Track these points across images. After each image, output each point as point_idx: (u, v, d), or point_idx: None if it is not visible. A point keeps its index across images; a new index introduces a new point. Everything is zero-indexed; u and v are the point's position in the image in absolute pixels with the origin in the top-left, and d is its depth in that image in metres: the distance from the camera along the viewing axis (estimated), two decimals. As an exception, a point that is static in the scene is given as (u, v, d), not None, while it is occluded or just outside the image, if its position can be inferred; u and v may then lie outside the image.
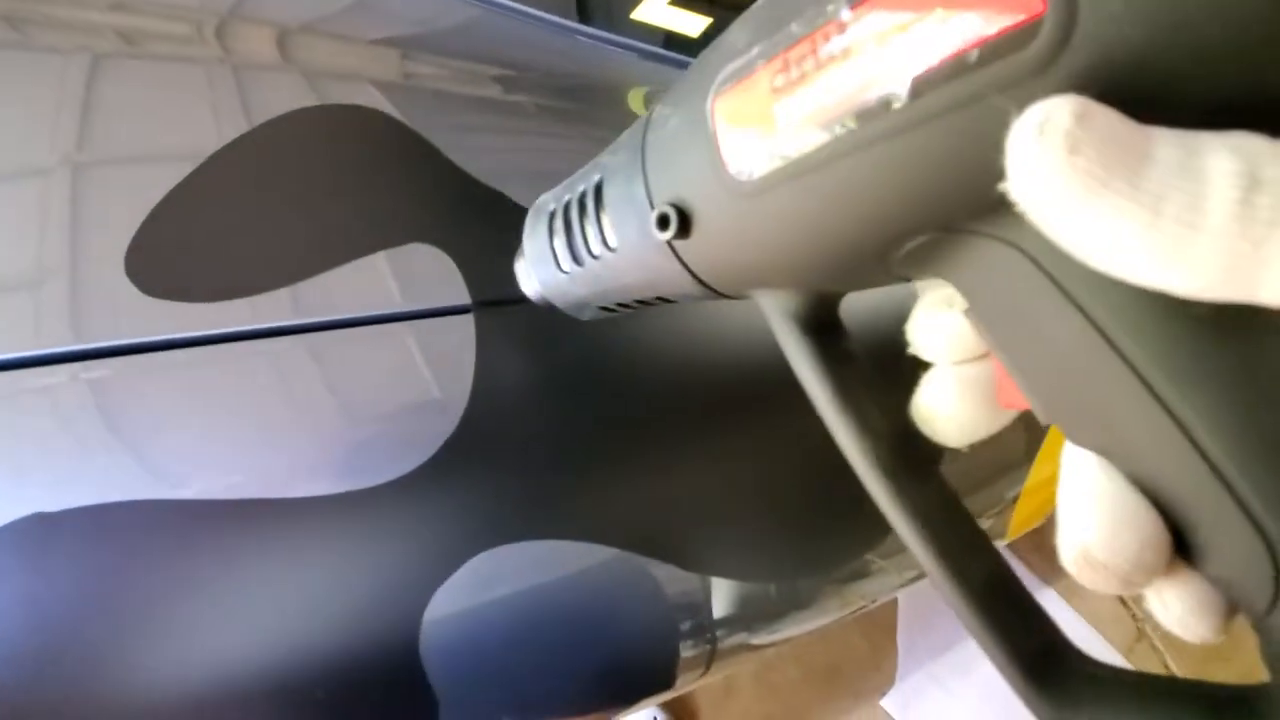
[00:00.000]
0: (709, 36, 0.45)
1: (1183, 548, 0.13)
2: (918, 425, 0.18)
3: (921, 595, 1.22)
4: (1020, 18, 0.11)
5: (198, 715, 0.28)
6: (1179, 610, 0.14)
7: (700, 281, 0.19)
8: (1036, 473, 0.51)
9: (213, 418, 0.27)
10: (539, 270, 0.24)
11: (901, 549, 0.47)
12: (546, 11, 0.43)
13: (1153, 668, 1.25)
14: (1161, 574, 0.14)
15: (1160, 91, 0.11)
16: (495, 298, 0.32)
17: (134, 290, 0.28)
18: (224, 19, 0.35)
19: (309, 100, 0.33)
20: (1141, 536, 0.13)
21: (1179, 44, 0.10)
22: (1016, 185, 0.11)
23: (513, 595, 0.31)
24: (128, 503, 0.26)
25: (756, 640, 0.44)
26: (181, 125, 0.31)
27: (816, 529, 0.41)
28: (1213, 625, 0.14)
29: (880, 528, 0.44)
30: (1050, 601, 1.28)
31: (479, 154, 0.36)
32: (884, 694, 1.16)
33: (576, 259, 0.22)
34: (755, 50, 0.15)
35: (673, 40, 0.45)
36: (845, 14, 0.13)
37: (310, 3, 0.37)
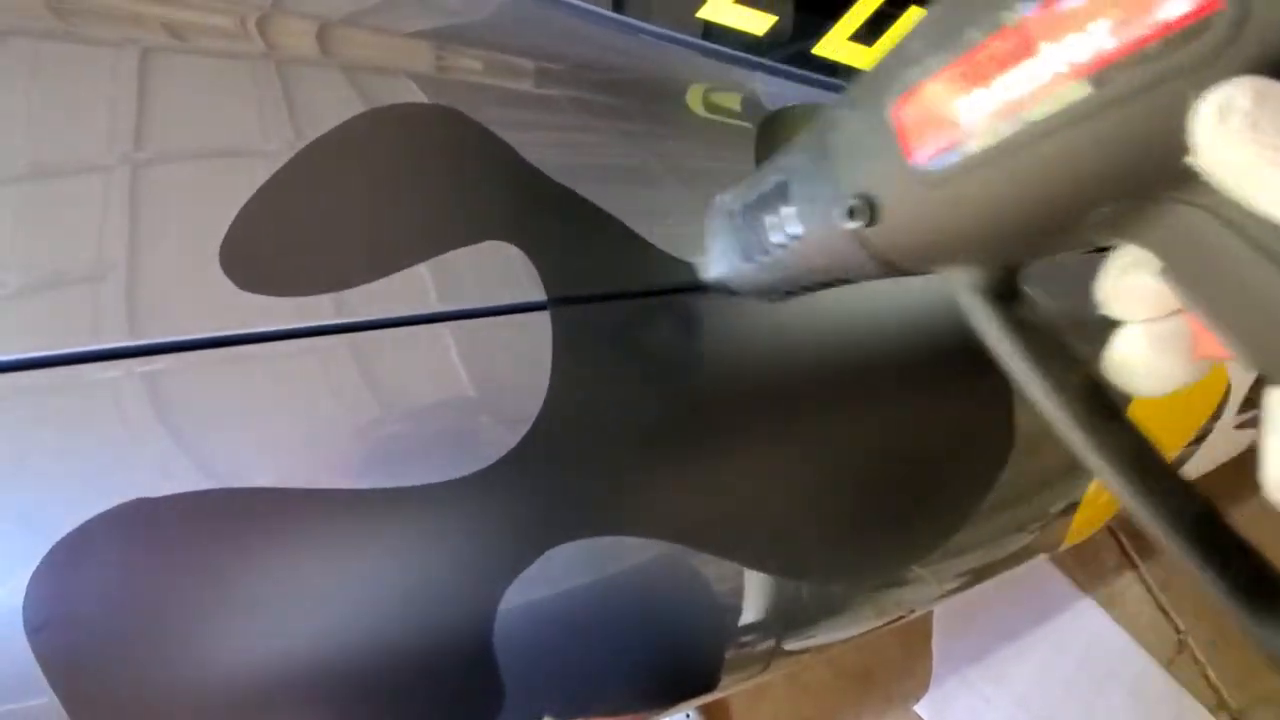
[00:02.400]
0: (774, 34, 0.45)
1: None
2: (1111, 379, 0.19)
3: (955, 601, 1.21)
4: (1201, 11, 0.12)
5: (280, 695, 0.29)
6: None
7: (885, 262, 0.21)
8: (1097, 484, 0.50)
9: (301, 410, 0.28)
10: (727, 261, 0.27)
11: (945, 560, 0.47)
12: (608, 9, 0.43)
13: (1194, 680, 1.22)
14: None
15: None
16: (571, 294, 0.32)
17: (229, 284, 0.29)
18: (295, 15, 0.36)
19: (382, 99, 0.34)
20: None
21: None
22: (1205, 159, 0.13)
23: (581, 590, 0.32)
24: (223, 490, 0.27)
25: (800, 645, 0.44)
26: (256, 125, 0.32)
27: (872, 535, 0.40)
28: None
29: (929, 540, 0.44)
30: (1088, 611, 1.25)
31: (549, 151, 0.36)
32: (918, 699, 1.15)
33: (765, 249, 0.24)
34: (934, 56, 0.16)
35: (733, 38, 0.44)
36: (1022, 18, 0.14)
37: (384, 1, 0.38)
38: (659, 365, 0.33)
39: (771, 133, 0.43)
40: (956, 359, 0.39)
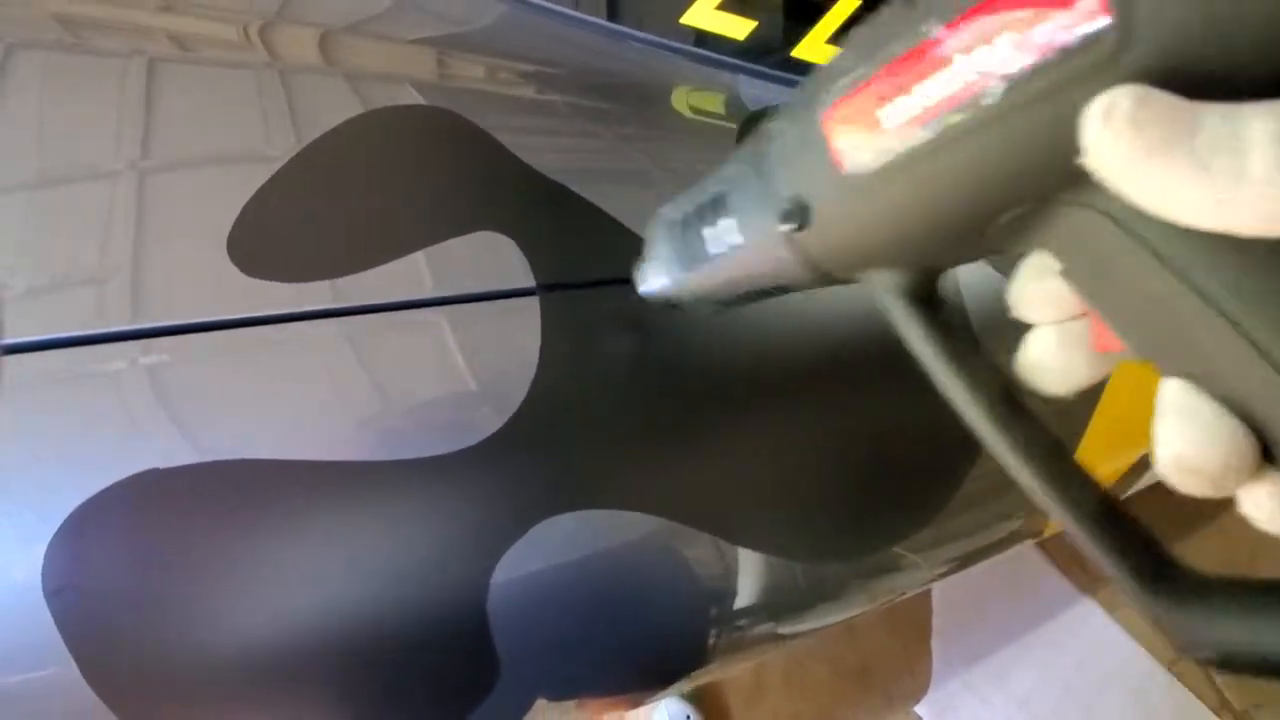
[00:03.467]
0: (755, 40, 0.47)
1: (1269, 456, 0.16)
2: (1023, 380, 0.21)
3: (955, 601, 1.21)
4: (1091, 29, 0.14)
5: (282, 664, 0.30)
6: (1270, 507, 0.16)
7: (816, 268, 0.22)
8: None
9: (302, 386, 0.30)
10: (667, 270, 0.27)
11: (931, 540, 0.48)
12: (596, 16, 0.45)
13: (1197, 681, 1.22)
14: (1250, 476, 0.16)
15: (1204, 78, 0.13)
16: (559, 281, 0.34)
17: (236, 271, 0.30)
18: (297, 25, 0.38)
19: (381, 102, 0.36)
20: (1226, 442, 0.15)
21: (1211, 46, 0.13)
22: (1093, 158, 0.14)
23: (573, 564, 0.33)
24: (228, 461, 0.28)
25: (792, 627, 0.45)
26: (260, 128, 0.34)
27: (857, 514, 0.42)
28: None
29: (915, 518, 0.45)
30: (1089, 612, 1.26)
31: (543, 151, 0.38)
32: (917, 700, 1.15)
33: (705, 257, 0.25)
34: (861, 69, 0.18)
35: (715, 43, 0.47)
36: (939, 33, 0.16)
37: (377, 6, 0.40)
38: (644, 347, 0.34)
39: (751, 131, 0.45)
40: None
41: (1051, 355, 0.20)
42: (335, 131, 0.35)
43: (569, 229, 0.36)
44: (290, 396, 0.30)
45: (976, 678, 1.20)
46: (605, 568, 0.34)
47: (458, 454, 0.30)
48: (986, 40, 0.15)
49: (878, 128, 0.18)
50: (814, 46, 0.48)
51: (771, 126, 0.22)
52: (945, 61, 0.16)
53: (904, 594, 0.53)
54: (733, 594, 0.38)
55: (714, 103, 0.47)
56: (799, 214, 0.20)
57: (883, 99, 0.17)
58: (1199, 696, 1.21)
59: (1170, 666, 1.23)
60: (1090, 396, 0.46)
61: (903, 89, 0.17)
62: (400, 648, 0.31)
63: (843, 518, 0.41)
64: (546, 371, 0.32)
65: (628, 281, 0.36)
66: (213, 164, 0.33)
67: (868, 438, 0.40)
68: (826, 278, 0.22)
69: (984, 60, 0.15)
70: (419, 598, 0.31)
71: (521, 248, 0.34)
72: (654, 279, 0.28)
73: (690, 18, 0.46)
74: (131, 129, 0.33)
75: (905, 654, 1.18)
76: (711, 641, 0.40)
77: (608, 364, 0.34)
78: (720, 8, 0.46)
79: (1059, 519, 0.19)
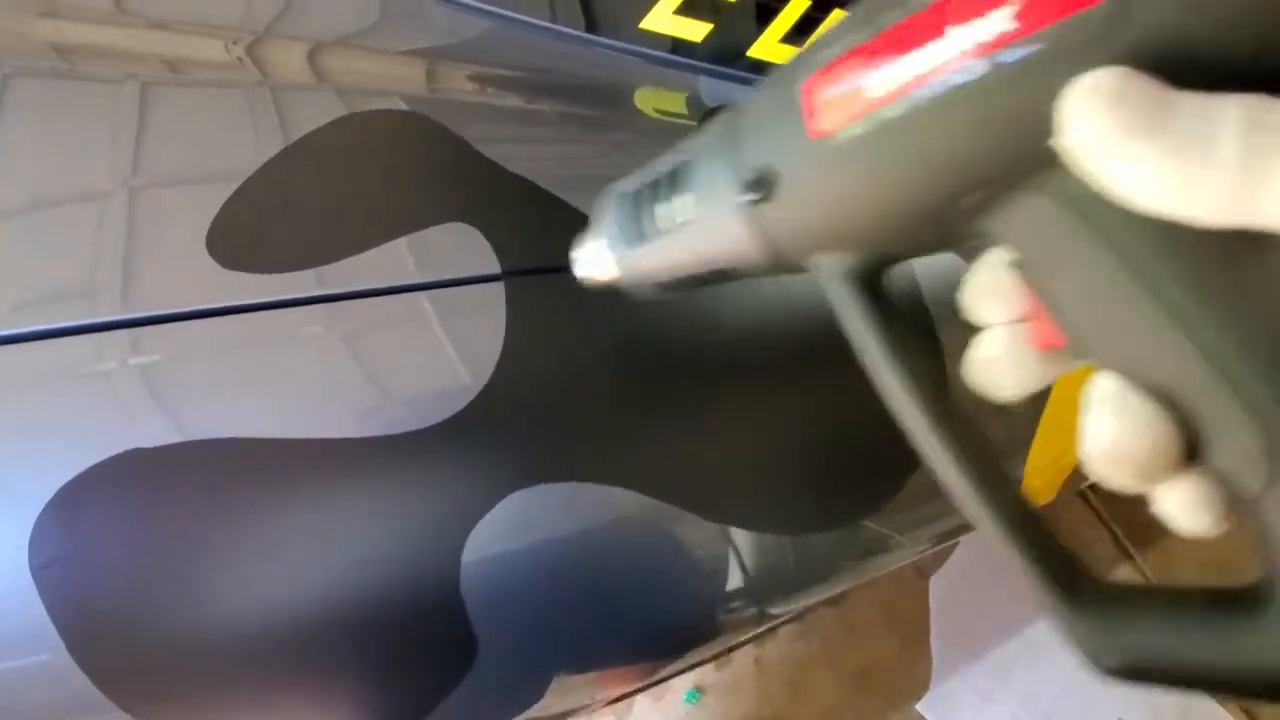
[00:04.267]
0: (712, 41, 0.50)
1: (1191, 454, 0.16)
2: (972, 383, 0.21)
3: (954, 600, 1.21)
4: (1087, 7, 0.14)
5: (263, 641, 0.31)
6: (1186, 502, 0.17)
7: (769, 248, 0.22)
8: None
9: (277, 370, 0.32)
10: (610, 245, 0.26)
11: (909, 519, 0.49)
12: (561, 24, 0.48)
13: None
14: (1173, 471, 0.16)
15: (1185, 66, 0.14)
16: (524, 267, 0.36)
17: (215, 265, 0.32)
18: (265, 40, 0.40)
19: (358, 107, 0.38)
20: (1155, 432, 0.16)
21: (1197, 34, 0.14)
22: (1069, 136, 0.14)
23: (545, 540, 0.34)
24: (207, 440, 0.30)
25: (778, 605, 0.46)
26: (241, 134, 0.36)
27: (826, 486, 0.43)
28: (1215, 517, 0.17)
29: (883, 490, 0.46)
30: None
31: (507, 148, 0.40)
32: (918, 699, 1.14)
33: (657, 232, 0.24)
34: (847, 39, 0.18)
35: (678, 47, 0.49)
36: (933, 2, 0.17)
37: (349, 20, 0.43)
38: (605, 329, 0.36)
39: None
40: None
41: (1000, 354, 0.20)
42: (311, 135, 0.37)
43: (533, 219, 0.38)
44: (266, 379, 0.31)
45: (977, 675, 1.19)
46: (577, 541, 0.35)
47: (423, 431, 0.32)
48: (980, 12, 0.15)
49: (859, 97, 0.18)
50: (769, 47, 0.50)
51: (745, 100, 0.22)
52: (937, 32, 0.16)
53: (888, 567, 0.53)
54: (712, 570, 0.39)
55: (676, 103, 0.50)
56: (764, 185, 0.20)
57: (868, 68, 0.18)
58: (1202, 686, 1.20)
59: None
60: (1035, 407, 0.48)
61: (890, 58, 0.17)
62: (371, 624, 0.32)
63: (813, 490, 0.42)
64: (511, 352, 0.34)
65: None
66: (196, 173, 0.35)
67: (833, 413, 0.42)
68: (776, 262, 0.22)
69: (976, 32, 0.15)
70: (390, 574, 0.32)
71: (488, 237, 0.36)
72: (594, 256, 0.27)
73: (649, 22, 0.48)
74: (122, 149, 0.34)
75: (904, 652, 1.18)
76: (694, 618, 0.41)
77: (572, 343, 0.35)
78: (678, 11, 0.49)
79: (977, 521, 0.19)
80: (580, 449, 0.34)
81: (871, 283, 0.21)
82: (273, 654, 0.32)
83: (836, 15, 0.49)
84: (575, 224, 0.39)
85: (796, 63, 0.20)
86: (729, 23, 0.49)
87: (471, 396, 0.32)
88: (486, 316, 0.34)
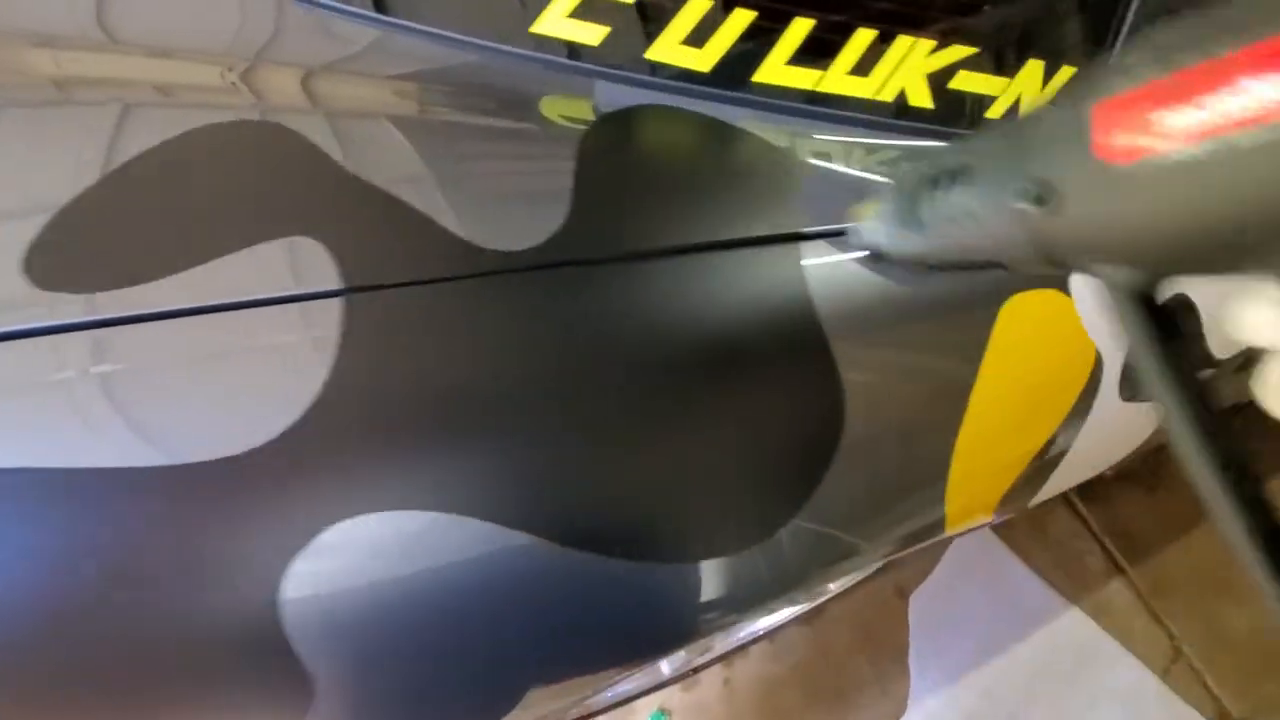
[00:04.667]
0: (609, 44, 0.48)
1: None
2: (1262, 403, 0.20)
3: (933, 618, 1.17)
4: None
5: (82, 689, 0.29)
6: None
7: (1043, 250, 0.23)
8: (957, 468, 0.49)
9: (82, 395, 0.30)
10: (891, 225, 0.29)
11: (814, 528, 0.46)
12: (452, 30, 0.46)
13: (1192, 688, 1.16)
14: None
15: None
16: (367, 283, 0.34)
17: (26, 283, 0.31)
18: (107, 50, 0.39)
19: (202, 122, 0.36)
20: None
21: None
22: None
23: (378, 573, 0.32)
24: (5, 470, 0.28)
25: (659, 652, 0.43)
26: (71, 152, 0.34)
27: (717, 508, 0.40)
28: None
29: (795, 497, 0.43)
30: (1075, 621, 1.21)
31: (375, 160, 0.38)
32: (896, 720, 1.10)
33: (933, 221, 0.27)
34: (1145, 69, 0.18)
35: (574, 52, 0.47)
36: (1232, 53, 0.16)
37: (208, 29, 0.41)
38: (451, 346, 0.34)
39: (605, 132, 0.46)
40: (780, 346, 0.39)
41: None
42: (149, 152, 0.35)
43: (383, 232, 0.36)
44: (70, 405, 0.29)
45: (960, 693, 1.15)
46: (416, 575, 0.33)
47: (233, 459, 0.30)
48: (1276, 68, 0.15)
49: (1150, 131, 0.18)
50: (668, 49, 0.48)
51: (1035, 111, 0.23)
52: (1233, 82, 0.16)
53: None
54: (560, 600, 0.36)
55: (582, 109, 0.47)
56: (1044, 196, 0.21)
57: (1161, 104, 0.17)
58: (1195, 704, 1.15)
59: (1163, 675, 1.18)
60: None
61: (1185, 99, 0.17)
62: (197, 658, 0.30)
63: (650, 508, 0.39)
64: (339, 374, 0.31)
65: (447, 279, 0.35)
66: (13, 193, 0.33)
67: (691, 433, 0.39)
68: (1049, 262, 0.23)
69: (1274, 88, 0.15)
70: (208, 612, 0.30)
71: (330, 251, 0.34)
72: (870, 229, 0.30)
73: (541, 26, 0.47)
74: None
75: (879, 675, 1.14)
76: (542, 653, 0.38)
77: (408, 365, 0.33)
78: (572, 15, 0.47)
79: (1233, 539, 0.19)
80: (414, 477, 0.32)
81: (1149, 295, 0.21)
82: (99, 693, 0.30)
83: (740, 14, 0.47)
84: (429, 235, 0.37)
85: (1088, 83, 0.20)
86: (626, 25, 0.47)
87: (288, 423, 0.30)
88: (315, 336, 0.32)
